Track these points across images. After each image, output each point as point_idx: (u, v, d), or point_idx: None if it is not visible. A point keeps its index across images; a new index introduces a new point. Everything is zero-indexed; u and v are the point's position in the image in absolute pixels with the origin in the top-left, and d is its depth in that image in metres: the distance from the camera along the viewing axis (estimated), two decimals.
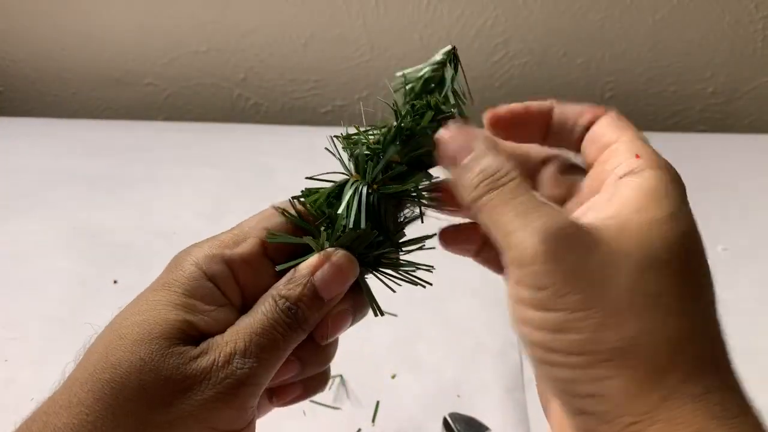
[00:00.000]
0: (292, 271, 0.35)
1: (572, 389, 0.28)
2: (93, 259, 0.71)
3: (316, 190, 0.38)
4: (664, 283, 0.29)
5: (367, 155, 0.37)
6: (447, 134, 0.34)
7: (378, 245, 0.36)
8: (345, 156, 0.38)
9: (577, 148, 0.37)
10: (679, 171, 0.98)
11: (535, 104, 0.36)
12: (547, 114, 0.36)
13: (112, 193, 0.82)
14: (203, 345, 0.33)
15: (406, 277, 0.37)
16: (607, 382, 0.27)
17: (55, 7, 1.04)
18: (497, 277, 0.72)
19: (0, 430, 0.52)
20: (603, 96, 1.06)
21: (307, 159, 0.92)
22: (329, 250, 0.35)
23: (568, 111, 0.36)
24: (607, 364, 0.27)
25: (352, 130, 0.38)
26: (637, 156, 0.34)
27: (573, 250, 0.28)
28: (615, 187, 0.32)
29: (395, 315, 0.48)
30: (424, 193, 0.37)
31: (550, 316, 0.28)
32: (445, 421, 0.50)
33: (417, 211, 0.38)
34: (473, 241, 0.38)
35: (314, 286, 0.35)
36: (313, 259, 0.35)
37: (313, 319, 0.35)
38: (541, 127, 0.37)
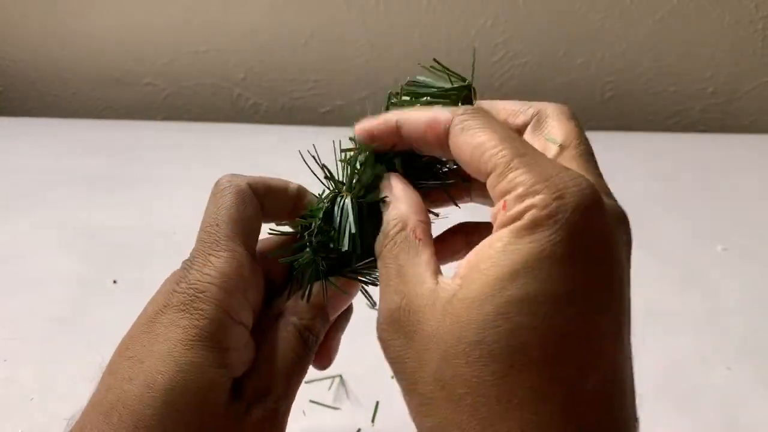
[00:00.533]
0: (306, 301, 0.36)
1: None
2: (92, 259, 0.71)
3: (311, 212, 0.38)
4: (463, 372, 0.25)
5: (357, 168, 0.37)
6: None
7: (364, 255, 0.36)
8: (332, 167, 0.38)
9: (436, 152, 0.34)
10: (679, 171, 0.97)
11: (378, 123, 0.36)
12: (395, 131, 0.35)
13: (111, 192, 0.82)
14: (248, 396, 0.32)
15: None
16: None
17: (54, 7, 1.04)
18: None
19: (0, 429, 0.52)
20: (603, 96, 1.06)
21: (306, 159, 0.92)
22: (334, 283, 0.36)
23: (410, 127, 0.34)
24: None
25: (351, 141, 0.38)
26: (503, 205, 0.27)
27: (395, 337, 0.28)
28: (488, 238, 0.27)
29: None
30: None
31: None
32: None
33: None
34: (458, 249, 0.37)
35: (327, 314, 0.36)
36: (318, 287, 0.36)
37: (321, 337, 0.36)
38: (400, 141, 0.35)
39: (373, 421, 0.52)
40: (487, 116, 0.31)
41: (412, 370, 0.27)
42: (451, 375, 0.25)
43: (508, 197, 0.27)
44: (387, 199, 0.33)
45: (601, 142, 1.11)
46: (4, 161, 0.89)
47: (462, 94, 0.37)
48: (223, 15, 1.03)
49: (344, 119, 1.10)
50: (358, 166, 0.37)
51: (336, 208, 0.36)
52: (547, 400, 0.24)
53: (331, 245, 0.35)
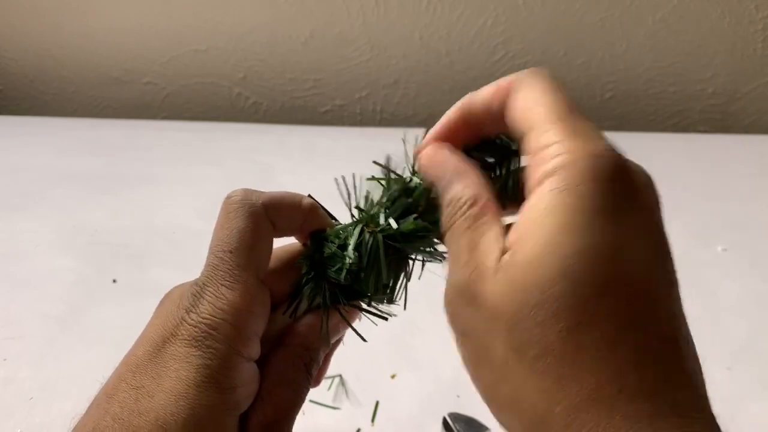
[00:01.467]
0: (316, 335, 0.35)
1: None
2: (92, 258, 0.71)
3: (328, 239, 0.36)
4: (533, 335, 0.25)
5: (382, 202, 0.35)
6: (422, 158, 0.33)
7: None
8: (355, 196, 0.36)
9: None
10: (679, 171, 0.98)
11: (452, 115, 0.34)
12: (467, 116, 0.33)
13: (111, 191, 0.82)
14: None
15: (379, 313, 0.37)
16: (508, 425, 0.27)
17: (54, 6, 1.04)
18: None
19: (0, 429, 0.52)
20: (603, 96, 1.06)
21: (306, 158, 0.92)
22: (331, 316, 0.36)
23: (477, 103, 0.32)
24: (503, 413, 0.27)
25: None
26: (542, 158, 0.28)
27: (465, 309, 0.28)
28: (528, 200, 0.28)
29: (395, 315, 0.48)
30: (429, 249, 0.36)
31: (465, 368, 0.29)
32: (444, 421, 0.50)
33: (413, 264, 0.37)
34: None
35: (329, 339, 0.36)
36: (333, 320, 0.36)
37: (321, 362, 0.36)
38: (474, 129, 0.34)
39: (372, 421, 0.52)
40: (543, 76, 0.31)
41: (483, 340, 0.27)
42: (521, 340, 0.26)
43: (548, 151, 0.27)
44: (443, 180, 0.32)
45: None
46: (4, 160, 0.89)
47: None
48: (223, 14, 1.03)
49: (344, 119, 1.10)
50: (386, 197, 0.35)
51: (362, 243, 0.35)
52: (617, 350, 0.24)
53: (354, 286, 0.35)
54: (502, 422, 0.28)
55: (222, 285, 0.32)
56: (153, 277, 0.68)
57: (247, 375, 0.32)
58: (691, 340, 0.28)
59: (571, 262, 0.25)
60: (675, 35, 1.01)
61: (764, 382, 0.57)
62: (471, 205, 0.30)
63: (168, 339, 0.31)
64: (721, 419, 0.57)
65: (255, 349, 0.33)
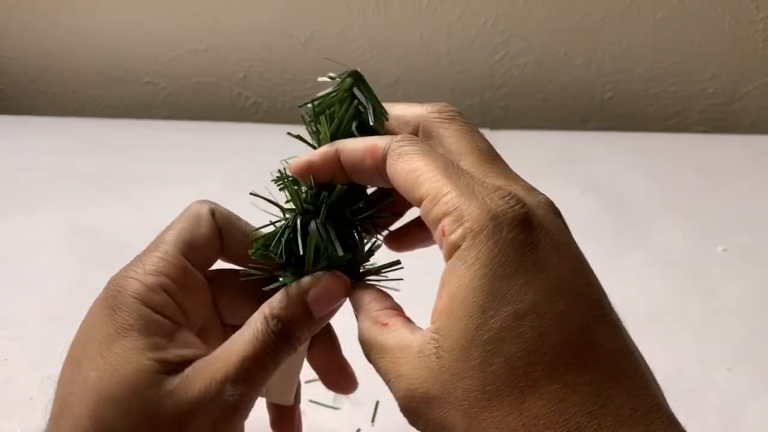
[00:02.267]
0: (283, 290, 0.35)
1: None
2: (92, 258, 0.71)
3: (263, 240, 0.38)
4: (492, 415, 0.26)
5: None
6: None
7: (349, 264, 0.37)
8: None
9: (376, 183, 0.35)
10: (679, 171, 0.97)
11: (317, 156, 0.36)
12: (335, 161, 0.35)
13: (111, 191, 0.82)
14: (188, 371, 0.33)
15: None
16: None
17: (54, 5, 1.04)
18: None
19: (1, 429, 0.52)
20: (603, 96, 1.06)
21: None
22: (318, 273, 0.36)
23: (349, 156, 0.34)
24: None
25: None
26: (443, 231, 0.28)
27: (418, 416, 0.29)
28: (443, 276, 0.29)
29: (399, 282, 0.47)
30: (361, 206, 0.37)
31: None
32: None
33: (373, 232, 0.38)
34: (423, 238, 0.38)
35: (307, 306, 0.35)
36: (307, 279, 0.35)
37: (303, 338, 0.35)
38: (339, 171, 0.36)
39: (373, 421, 0.52)
40: (422, 143, 0.32)
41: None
42: (481, 426, 0.26)
43: (445, 221, 0.28)
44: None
45: (601, 142, 1.12)
46: (4, 160, 0.89)
47: (349, 85, 0.37)
48: (223, 14, 1.03)
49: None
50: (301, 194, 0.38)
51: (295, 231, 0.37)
52: (567, 409, 0.25)
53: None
54: None
55: (141, 257, 0.36)
56: None
57: (166, 332, 0.34)
58: (637, 355, 0.29)
59: (500, 338, 0.25)
60: (675, 35, 1.01)
61: (764, 382, 0.57)
62: (369, 328, 0.32)
63: (90, 311, 0.36)
64: (721, 419, 0.57)
65: (175, 313, 0.35)
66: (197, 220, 0.39)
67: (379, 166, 0.33)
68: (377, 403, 0.53)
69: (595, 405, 0.25)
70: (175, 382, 0.32)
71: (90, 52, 1.07)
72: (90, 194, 0.82)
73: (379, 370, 0.32)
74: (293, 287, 0.35)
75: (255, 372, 0.33)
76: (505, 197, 0.28)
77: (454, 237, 0.27)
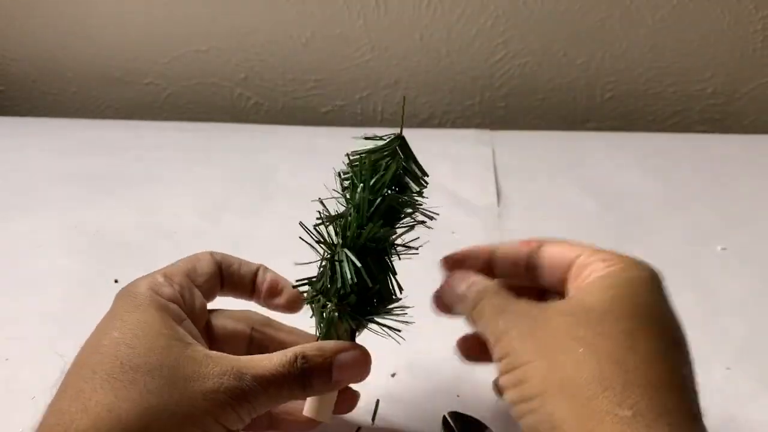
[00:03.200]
0: (321, 342, 0.40)
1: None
2: (93, 259, 0.71)
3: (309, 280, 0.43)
4: (594, 331, 0.33)
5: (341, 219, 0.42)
6: (446, 284, 0.43)
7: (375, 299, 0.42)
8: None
9: (524, 277, 0.43)
10: (679, 171, 0.98)
11: (475, 249, 0.44)
12: (489, 253, 0.44)
13: (112, 192, 0.83)
14: (215, 353, 0.37)
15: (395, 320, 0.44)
16: (558, 413, 0.31)
17: (55, 7, 1.04)
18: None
19: (1, 429, 0.52)
20: (603, 96, 1.07)
21: (307, 158, 0.92)
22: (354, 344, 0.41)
23: (505, 248, 0.44)
24: (555, 398, 0.31)
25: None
26: (603, 260, 0.38)
27: (523, 321, 0.35)
28: (582, 284, 0.38)
29: (411, 322, 0.48)
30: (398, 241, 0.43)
31: (511, 376, 0.34)
32: (444, 420, 0.50)
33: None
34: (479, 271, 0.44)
35: (332, 365, 0.39)
36: (340, 344, 0.40)
37: (316, 390, 0.40)
38: (486, 264, 0.44)
39: (373, 420, 0.52)
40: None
41: (543, 337, 0.34)
42: (576, 333, 0.33)
43: (594, 265, 0.38)
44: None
45: (601, 142, 1.11)
46: (5, 161, 0.89)
47: (395, 144, 0.42)
48: (224, 15, 1.03)
49: (344, 119, 1.10)
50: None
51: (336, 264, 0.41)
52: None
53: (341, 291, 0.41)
54: (549, 413, 0.32)
55: (149, 274, 0.42)
56: None
57: (175, 312, 0.39)
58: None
59: (628, 299, 0.36)
60: (675, 35, 1.01)
61: (764, 382, 0.57)
62: (477, 293, 0.40)
63: (104, 320, 0.41)
64: (721, 419, 0.57)
65: (178, 302, 0.40)
66: (196, 257, 0.45)
67: (535, 252, 0.44)
68: (377, 401, 0.53)
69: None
70: (197, 349, 0.37)
71: (91, 53, 1.08)
72: (91, 195, 0.82)
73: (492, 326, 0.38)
74: (328, 343, 0.40)
75: (270, 384, 0.37)
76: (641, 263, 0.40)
77: (603, 272, 0.37)
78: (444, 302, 0.43)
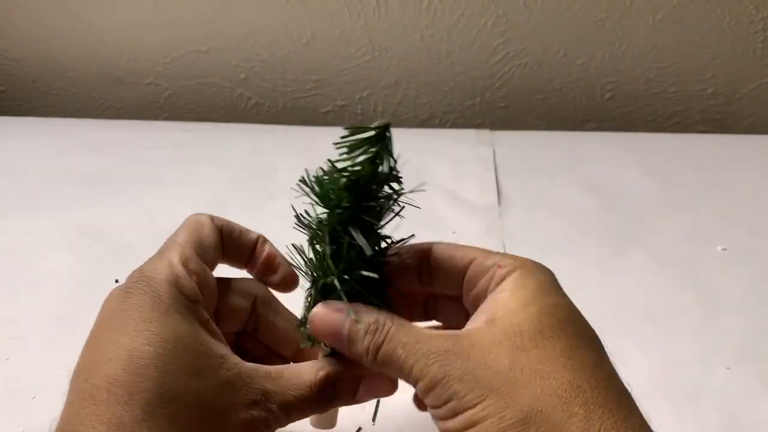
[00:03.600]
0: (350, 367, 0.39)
1: None
2: (94, 259, 0.71)
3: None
4: (536, 353, 0.33)
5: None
6: (314, 321, 0.38)
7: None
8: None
9: (415, 283, 0.41)
10: (679, 171, 0.98)
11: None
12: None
13: (113, 192, 0.83)
14: (239, 368, 0.36)
15: None
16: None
17: (56, 6, 1.04)
18: None
19: (1, 429, 0.52)
20: (603, 96, 1.07)
21: (307, 158, 0.92)
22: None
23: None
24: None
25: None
26: (499, 266, 0.37)
27: (458, 357, 0.33)
28: (494, 292, 0.37)
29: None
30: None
31: (460, 419, 0.32)
32: None
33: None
34: (416, 302, 0.43)
35: (358, 387, 0.40)
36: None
37: (335, 405, 0.40)
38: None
39: (373, 420, 0.52)
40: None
41: (483, 374, 0.32)
42: (521, 362, 0.33)
43: (498, 266, 0.37)
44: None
45: (601, 142, 1.11)
46: (5, 161, 0.89)
47: (379, 132, 0.39)
48: (224, 15, 1.03)
49: (344, 119, 1.10)
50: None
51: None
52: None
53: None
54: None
55: (162, 252, 0.42)
56: None
57: (198, 314, 0.38)
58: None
59: (546, 311, 0.34)
60: (675, 36, 1.01)
61: (764, 382, 0.57)
62: (374, 331, 0.36)
63: (111, 298, 0.41)
64: (721, 419, 0.57)
65: (198, 296, 0.38)
66: (200, 225, 0.43)
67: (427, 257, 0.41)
68: (378, 401, 0.53)
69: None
70: (230, 368, 0.36)
71: (92, 54, 1.08)
72: (91, 195, 0.82)
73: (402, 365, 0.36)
74: (359, 371, 0.39)
75: (294, 412, 0.37)
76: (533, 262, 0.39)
77: (505, 270, 0.37)
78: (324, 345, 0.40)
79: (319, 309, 0.38)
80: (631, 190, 0.83)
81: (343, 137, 0.39)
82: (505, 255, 0.38)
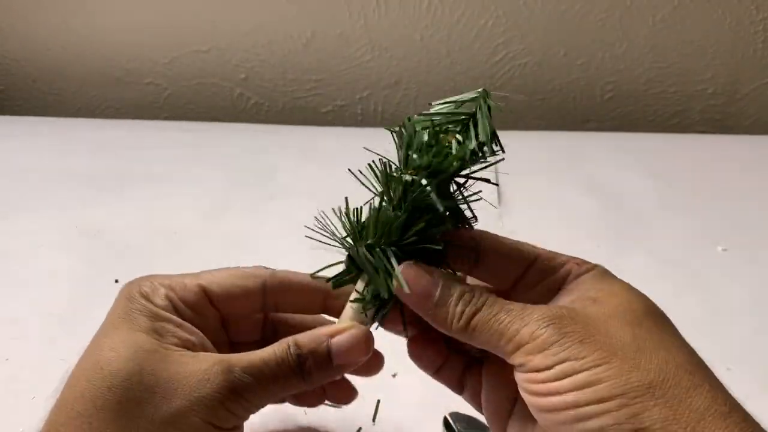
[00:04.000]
0: (315, 329, 0.38)
1: None
2: (94, 259, 0.71)
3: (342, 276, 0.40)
4: (654, 330, 0.34)
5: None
6: (408, 280, 0.36)
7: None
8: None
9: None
10: (679, 171, 0.98)
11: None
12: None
13: (112, 192, 0.83)
14: (202, 353, 0.37)
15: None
16: (647, 414, 0.30)
17: (56, 6, 1.04)
18: None
19: (2, 429, 0.52)
20: (603, 96, 1.07)
21: (307, 158, 0.92)
22: (352, 324, 0.39)
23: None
24: (642, 399, 0.30)
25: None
26: (576, 263, 0.38)
27: (575, 324, 0.33)
28: (579, 283, 0.37)
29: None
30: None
31: (574, 379, 0.31)
32: (445, 420, 0.50)
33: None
34: (438, 357, 0.42)
35: (329, 349, 0.38)
36: (335, 327, 0.38)
37: (317, 378, 0.38)
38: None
39: (374, 420, 0.52)
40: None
41: (607, 338, 0.33)
42: (642, 334, 0.33)
43: (571, 262, 0.38)
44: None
45: (601, 142, 1.11)
46: (5, 160, 0.89)
47: (478, 104, 0.39)
48: (224, 15, 1.03)
49: (345, 119, 1.10)
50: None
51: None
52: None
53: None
54: (635, 414, 0.31)
55: (171, 275, 0.43)
56: None
57: (167, 320, 0.38)
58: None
59: (647, 302, 0.37)
60: (675, 36, 1.01)
61: (764, 382, 0.57)
62: (470, 299, 0.35)
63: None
64: None
65: (170, 311, 0.39)
66: (245, 275, 0.42)
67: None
68: (378, 401, 0.53)
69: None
70: (187, 352, 0.36)
71: (92, 53, 1.08)
72: (91, 195, 0.82)
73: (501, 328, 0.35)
74: (321, 328, 0.38)
75: (265, 376, 0.36)
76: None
77: (584, 267, 0.38)
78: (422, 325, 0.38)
79: (408, 268, 0.36)
80: (631, 190, 0.83)
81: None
82: (573, 257, 0.39)
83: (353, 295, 0.39)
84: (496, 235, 0.40)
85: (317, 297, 0.43)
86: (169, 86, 1.09)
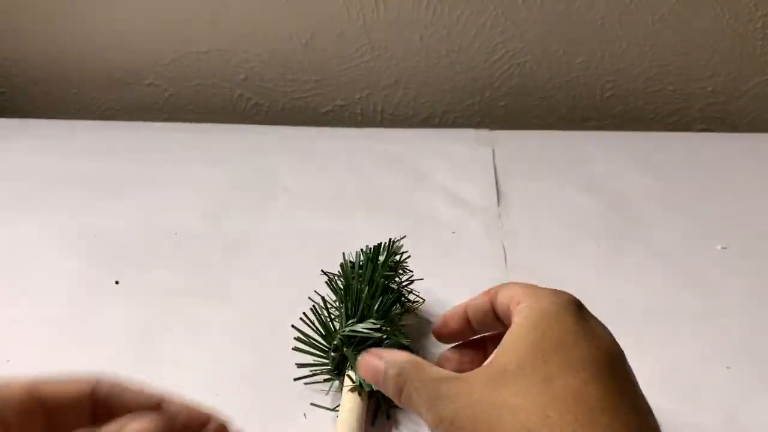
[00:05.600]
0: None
1: None
2: (94, 260, 0.71)
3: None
4: (513, 390, 0.34)
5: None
6: (360, 367, 0.42)
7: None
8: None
9: (499, 326, 0.43)
10: (679, 171, 0.98)
11: (452, 311, 0.46)
12: (464, 311, 0.45)
13: (113, 193, 0.83)
14: None
15: None
16: None
17: (56, 7, 1.04)
18: (499, 275, 0.72)
19: None
20: (602, 95, 1.07)
21: (307, 159, 0.92)
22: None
23: (475, 302, 0.44)
24: None
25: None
26: (517, 302, 0.39)
27: (450, 404, 0.35)
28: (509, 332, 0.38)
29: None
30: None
31: None
32: None
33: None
34: (465, 332, 0.46)
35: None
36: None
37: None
38: (465, 321, 0.45)
39: (373, 423, 0.52)
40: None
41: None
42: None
43: (520, 305, 0.39)
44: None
45: (600, 141, 1.11)
46: (6, 162, 0.90)
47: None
48: (224, 16, 1.03)
49: (345, 119, 1.10)
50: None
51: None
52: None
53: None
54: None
55: None
56: (155, 278, 0.68)
57: None
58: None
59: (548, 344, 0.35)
60: (674, 34, 1.01)
61: (764, 381, 0.57)
62: (398, 373, 0.39)
63: None
64: (721, 419, 0.57)
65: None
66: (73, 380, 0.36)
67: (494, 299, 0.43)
68: (378, 402, 0.53)
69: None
70: None
71: (91, 55, 1.08)
72: (92, 196, 0.82)
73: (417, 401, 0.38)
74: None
75: None
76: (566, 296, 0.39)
77: (524, 310, 0.38)
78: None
79: (362, 356, 0.42)
80: (631, 190, 0.83)
81: None
82: (527, 288, 0.39)
83: (348, 385, 0.50)
84: (472, 300, 0.45)
85: (152, 401, 0.35)
86: (169, 87, 1.09)
